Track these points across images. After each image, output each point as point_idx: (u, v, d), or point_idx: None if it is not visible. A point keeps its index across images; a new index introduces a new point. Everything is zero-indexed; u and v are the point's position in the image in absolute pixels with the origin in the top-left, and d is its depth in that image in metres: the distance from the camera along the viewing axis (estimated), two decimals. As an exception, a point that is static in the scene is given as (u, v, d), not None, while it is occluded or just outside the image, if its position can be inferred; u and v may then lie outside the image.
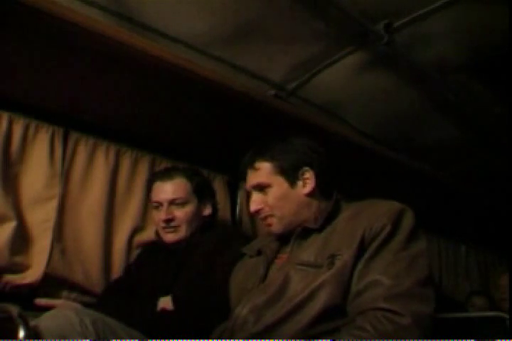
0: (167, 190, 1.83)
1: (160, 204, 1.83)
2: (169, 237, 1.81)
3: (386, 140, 2.65)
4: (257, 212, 1.52)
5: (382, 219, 1.33)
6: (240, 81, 2.00)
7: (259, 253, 1.55)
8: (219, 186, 2.39)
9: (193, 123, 2.08)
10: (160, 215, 1.81)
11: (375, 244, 1.30)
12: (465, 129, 2.72)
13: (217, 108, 1.98)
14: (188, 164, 2.22)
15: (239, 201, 2.50)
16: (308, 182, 1.50)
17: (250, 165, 1.54)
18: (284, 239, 1.52)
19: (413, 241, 1.33)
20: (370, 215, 1.36)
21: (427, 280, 1.28)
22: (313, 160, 1.51)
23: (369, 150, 2.49)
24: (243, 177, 1.59)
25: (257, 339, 1.29)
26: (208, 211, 1.90)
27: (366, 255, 1.30)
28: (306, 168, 1.50)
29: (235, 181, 2.49)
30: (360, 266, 1.30)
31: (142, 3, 1.69)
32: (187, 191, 1.84)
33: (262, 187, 1.51)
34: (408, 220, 1.35)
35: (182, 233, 1.81)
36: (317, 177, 1.50)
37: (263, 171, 1.51)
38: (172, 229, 1.81)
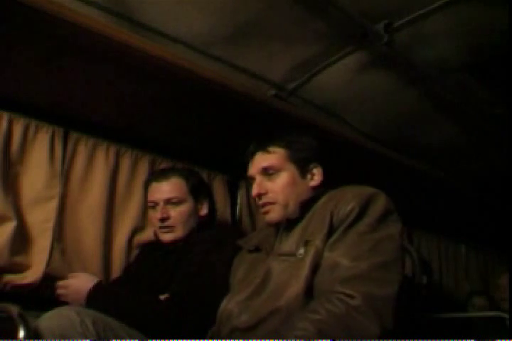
0: (163, 189, 1.83)
1: (156, 203, 1.83)
2: (166, 237, 1.81)
3: (386, 140, 2.65)
4: (260, 196, 1.49)
5: (350, 202, 1.33)
6: (240, 81, 2.00)
7: (257, 248, 1.55)
8: (219, 186, 2.39)
9: (193, 123, 2.08)
10: (156, 215, 1.82)
11: (342, 227, 1.31)
12: (465, 129, 2.72)
13: (217, 108, 1.98)
14: (188, 164, 2.23)
15: (239, 201, 2.50)
16: (315, 177, 1.52)
17: (262, 148, 1.52)
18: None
19: (382, 225, 1.31)
20: (339, 199, 1.37)
21: (389, 264, 1.26)
22: (322, 158, 1.54)
23: (369, 150, 2.49)
24: (248, 161, 1.56)
25: (241, 332, 1.31)
26: (204, 211, 1.89)
27: (332, 238, 1.31)
28: (316, 164, 1.53)
29: (235, 181, 2.50)
30: (326, 248, 1.30)
31: (142, 3, 1.69)
32: (183, 191, 1.84)
33: (271, 172, 1.49)
34: (378, 203, 1.34)
35: (178, 233, 1.81)
36: (324, 174, 1.52)
37: (277, 155, 1.51)
38: (168, 229, 1.80)
